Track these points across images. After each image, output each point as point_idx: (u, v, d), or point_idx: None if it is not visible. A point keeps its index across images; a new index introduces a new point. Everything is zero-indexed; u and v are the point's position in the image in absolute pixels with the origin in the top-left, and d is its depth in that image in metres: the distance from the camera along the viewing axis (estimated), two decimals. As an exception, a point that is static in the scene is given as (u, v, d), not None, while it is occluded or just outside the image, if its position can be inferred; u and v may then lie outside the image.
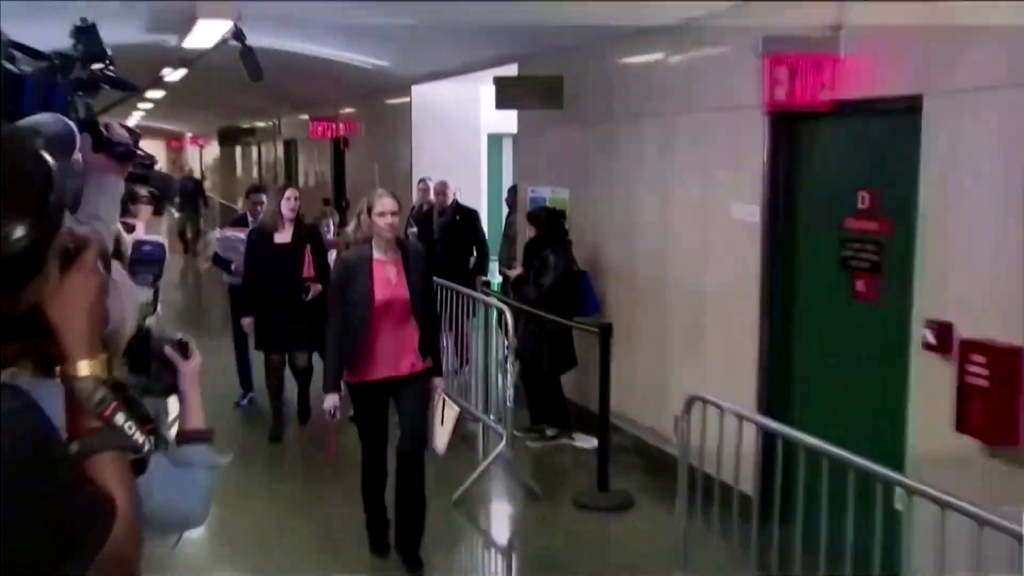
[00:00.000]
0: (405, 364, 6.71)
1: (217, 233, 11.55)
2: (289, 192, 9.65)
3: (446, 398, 7.33)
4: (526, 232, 10.62)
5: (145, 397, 2.75)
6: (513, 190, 12.82)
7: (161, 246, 2.83)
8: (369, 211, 6.69)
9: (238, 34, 3.83)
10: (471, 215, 13.00)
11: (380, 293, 6.60)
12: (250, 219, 11.13)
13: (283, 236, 9.49)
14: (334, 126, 19.67)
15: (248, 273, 9.73)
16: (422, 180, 13.58)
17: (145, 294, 2.73)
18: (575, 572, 7.08)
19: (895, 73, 6.41)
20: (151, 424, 2.01)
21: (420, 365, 6.78)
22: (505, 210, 13.21)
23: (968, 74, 5.88)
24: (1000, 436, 5.51)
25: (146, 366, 2.72)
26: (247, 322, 9.83)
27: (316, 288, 9.39)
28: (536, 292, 9.43)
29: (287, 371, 10.03)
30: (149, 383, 2.73)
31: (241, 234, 10.44)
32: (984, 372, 5.53)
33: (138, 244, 2.75)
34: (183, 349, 2.79)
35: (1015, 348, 5.46)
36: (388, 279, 6.66)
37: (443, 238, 12.30)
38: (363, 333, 6.60)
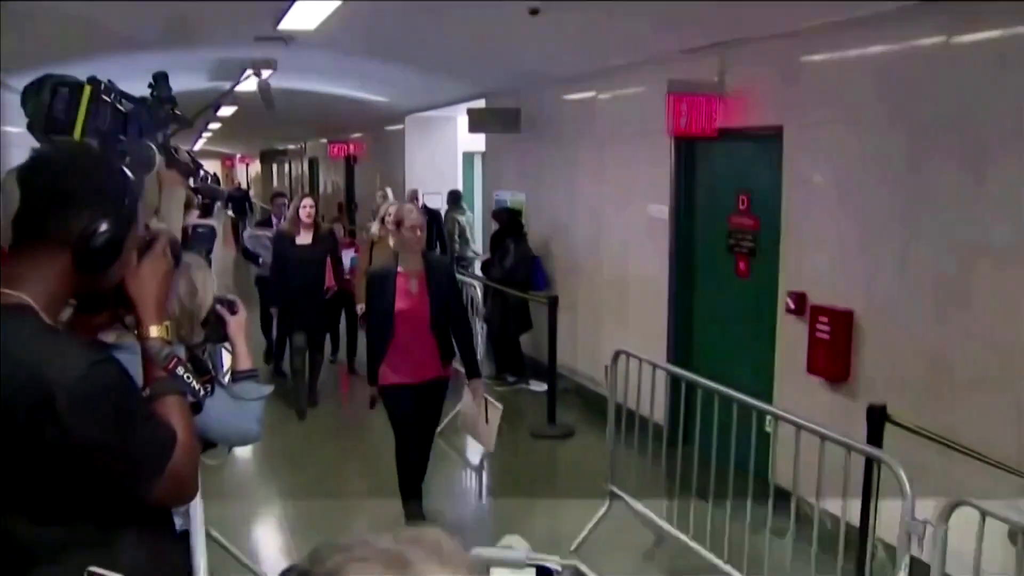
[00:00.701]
0: (424, 372, 5.75)
1: (248, 232, 10.64)
2: (306, 201, 8.83)
3: (488, 398, 6.38)
4: (491, 226, 10.66)
5: (207, 344, 2.90)
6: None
7: (211, 228, 2.89)
8: (398, 225, 5.79)
9: (257, 74, 3.82)
10: (434, 215, 12.70)
11: (401, 304, 5.67)
12: (274, 219, 10.39)
13: (304, 239, 8.68)
14: (346, 147, 19.61)
15: (274, 271, 8.81)
16: (381, 190, 13.16)
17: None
18: (533, 483, 7.16)
19: (763, 109, 6.53)
20: (208, 375, 2.08)
21: (439, 373, 5.84)
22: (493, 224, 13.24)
23: (813, 112, 6.04)
24: (838, 376, 5.68)
25: (205, 321, 2.74)
26: (274, 310, 9.24)
27: (333, 289, 8.95)
28: (500, 272, 9.55)
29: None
30: (208, 333, 2.76)
31: (268, 232, 9.76)
32: (827, 329, 5.69)
33: (195, 227, 2.85)
34: (230, 306, 2.79)
35: (848, 311, 5.63)
36: (410, 291, 5.68)
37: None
38: (387, 340, 5.68)
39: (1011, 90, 4.66)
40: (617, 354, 6.02)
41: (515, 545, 1.60)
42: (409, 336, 5.67)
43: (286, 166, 32.06)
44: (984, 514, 3.41)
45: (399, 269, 5.70)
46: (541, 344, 8.95)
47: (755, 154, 6.85)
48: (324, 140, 21.41)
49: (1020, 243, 4.63)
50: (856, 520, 4.50)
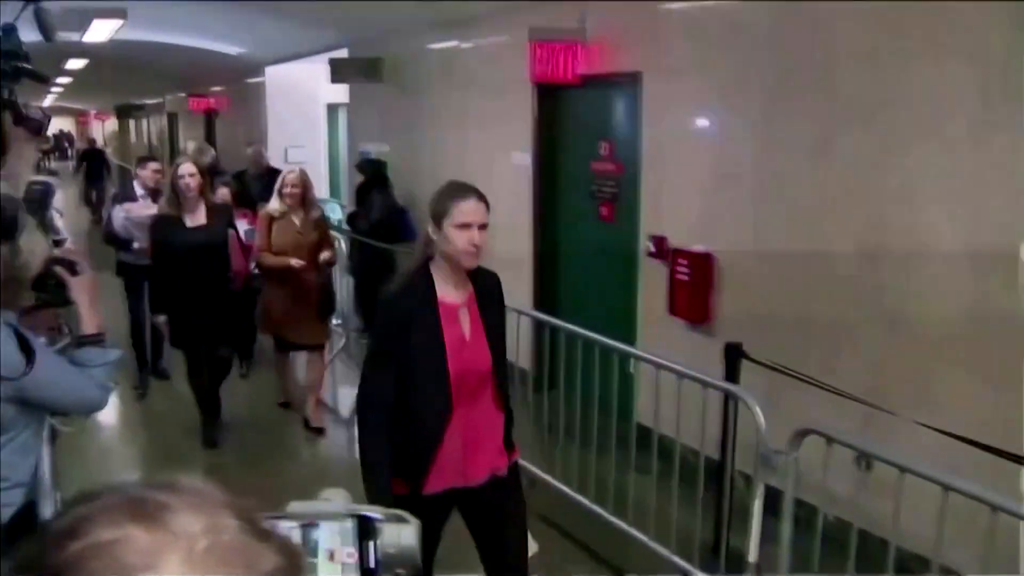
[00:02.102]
0: (483, 465, 3.32)
1: (119, 212, 7.63)
2: (185, 168, 6.36)
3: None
4: (356, 178, 10.45)
5: (47, 308, 2.73)
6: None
7: (46, 184, 2.75)
8: (438, 216, 3.24)
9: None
10: (278, 172, 12.17)
11: (457, 358, 3.22)
12: (140, 190, 7.71)
13: (196, 219, 6.35)
14: (207, 101, 19.04)
15: (158, 265, 6.48)
16: (252, 144, 11.97)
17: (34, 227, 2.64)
18: None
19: (623, 56, 6.52)
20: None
21: (504, 462, 3.40)
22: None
23: (671, 59, 6.06)
24: (698, 317, 5.77)
25: (43, 284, 2.61)
26: (162, 320, 6.51)
27: (243, 274, 6.74)
28: (366, 224, 9.40)
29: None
30: (47, 297, 2.63)
31: (151, 211, 7.13)
32: (687, 271, 5.77)
33: (30, 183, 2.68)
34: (71, 267, 2.64)
35: (707, 253, 5.72)
36: (463, 334, 3.27)
37: (262, 195, 11.01)
38: (426, 421, 3.22)
39: (855, 41, 4.78)
40: (482, 301, 5.95)
41: (334, 498, 1.55)
42: (459, 407, 3.25)
43: (144, 122, 30.91)
44: (829, 440, 3.53)
45: (441, 295, 3.25)
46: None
47: (616, 101, 6.86)
48: (183, 94, 20.71)
49: (866, 186, 4.78)
50: (717, 454, 4.61)
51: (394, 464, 3.18)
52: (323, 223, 7.09)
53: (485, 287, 3.41)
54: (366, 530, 1.47)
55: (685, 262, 5.79)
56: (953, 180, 4.37)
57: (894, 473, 3.27)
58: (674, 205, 6.11)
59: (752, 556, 3.91)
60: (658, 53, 6.18)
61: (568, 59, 6.87)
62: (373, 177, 9.68)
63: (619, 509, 4.94)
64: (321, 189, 12.86)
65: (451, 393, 3.19)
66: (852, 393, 4.39)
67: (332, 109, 14.98)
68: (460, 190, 3.28)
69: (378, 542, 1.48)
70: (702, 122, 5.87)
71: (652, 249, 6.18)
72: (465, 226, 3.17)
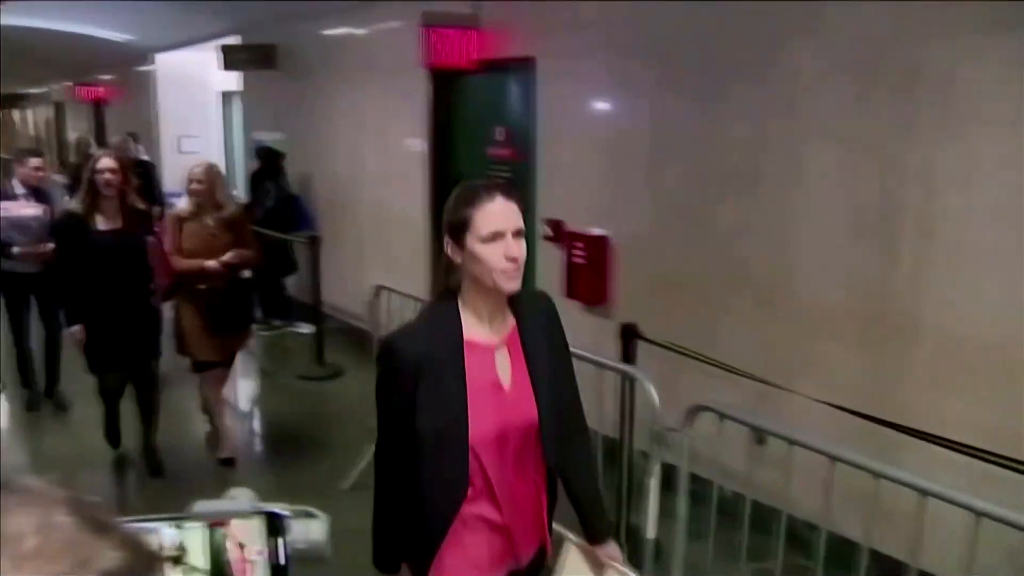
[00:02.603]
0: (527, 546, 2.49)
1: None
2: (104, 162, 5.54)
3: None
4: (250, 167, 10.28)
5: None
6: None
7: None
8: (456, 230, 2.31)
9: None
10: (148, 166, 11.74)
11: (483, 414, 2.33)
12: (20, 189, 6.68)
13: (110, 221, 5.53)
14: (94, 90, 18.51)
15: (68, 275, 5.55)
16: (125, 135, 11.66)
17: None
18: (301, 426, 6.97)
19: (517, 41, 6.51)
20: None
21: (543, 540, 2.54)
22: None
23: (563, 43, 6.09)
24: (595, 299, 5.81)
25: None
26: (76, 330, 5.60)
27: (165, 286, 5.83)
28: (261, 213, 9.22)
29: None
30: None
31: (34, 211, 6.57)
32: (583, 254, 5.81)
33: None
34: None
35: (603, 236, 5.79)
36: (499, 382, 2.38)
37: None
38: (455, 497, 2.36)
39: (746, 24, 4.87)
40: (378, 289, 5.92)
41: (239, 497, 1.57)
42: (498, 475, 2.39)
43: (29, 112, 29.85)
44: (722, 416, 3.59)
45: (468, 335, 2.37)
46: (307, 285, 8.76)
47: (511, 86, 6.85)
48: (70, 83, 20.07)
49: (752, 168, 4.89)
50: (616, 433, 4.65)
51: (404, 548, 2.49)
52: (240, 221, 6.13)
53: (533, 315, 2.48)
54: (275, 527, 1.49)
55: (581, 245, 5.82)
56: (834, 156, 4.50)
57: (786, 446, 3.35)
58: (570, 189, 6.15)
59: (650, 532, 3.96)
60: (552, 38, 6.18)
61: (462, 44, 6.83)
62: (267, 166, 9.55)
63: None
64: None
65: (471, 457, 2.33)
66: (744, 370, 4.50)
67: (226, 97, 14.67)
68: (480, 192, 2.31)
69: (287, 539, 1.50)
70: (596, 106, 5.92)
71: (548, 233, 6.20)
72: (496, 236, 2.25)
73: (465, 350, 2.33)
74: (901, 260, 4.24)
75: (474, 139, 7.26)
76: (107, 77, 18.17)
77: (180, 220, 5.94)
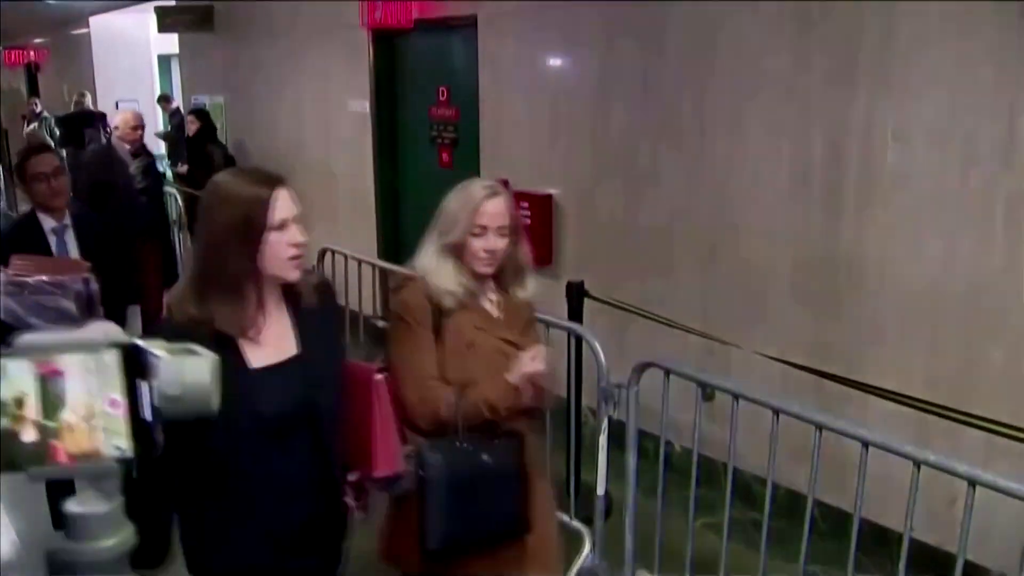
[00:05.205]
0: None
1: None
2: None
3: None
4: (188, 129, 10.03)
5: None
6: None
7: None
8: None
9: None
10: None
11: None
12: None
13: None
14: (25, 54, 18.05)
15: None
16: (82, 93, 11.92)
17: None
18: None
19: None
20: None
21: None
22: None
23: (505, 3, 6.01)
24: (542, 258, 5.69)
25: None
26: None
27: None
28: (206, 177, 9.05)
29: None
30: None
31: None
32: (529, 214, 5.74)
33: None
34: None
35: (548, 195, 5.77)
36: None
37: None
38: None
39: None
40: (323, 252, 5.86)
41: (96, 332, 1.13)
42: None
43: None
44: (668, 372, 3.61)
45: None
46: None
47: (453, 45, 6.75)
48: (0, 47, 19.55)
49: (696, 125, 4.90)
50: (565, 392, 4.66)
51: None
52: None
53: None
54: (135, 367, 1.07)
55: (527, 204, 5.78)
56: (777, 111, 4.52)
57: (731, 401, 3.38)
58: (513, 148, 6.09)
59: (600, 488, 3.98)
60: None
61: (402, 4, 6.72)
62: (205, 128, 9.37)
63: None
64: (158, 144, 12.31)
65: None
66: (690, 326, 4.53)
67: (163, 60, 14.39)
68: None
69: (154, 383, 1.08)
70: (539, 65, 5.86)
71: (494, 193, 6.16)
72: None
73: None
74: (844, 214, 4.28)
75: (417, 99, 7.16)
76: (39, 40, 17.70)
77: None
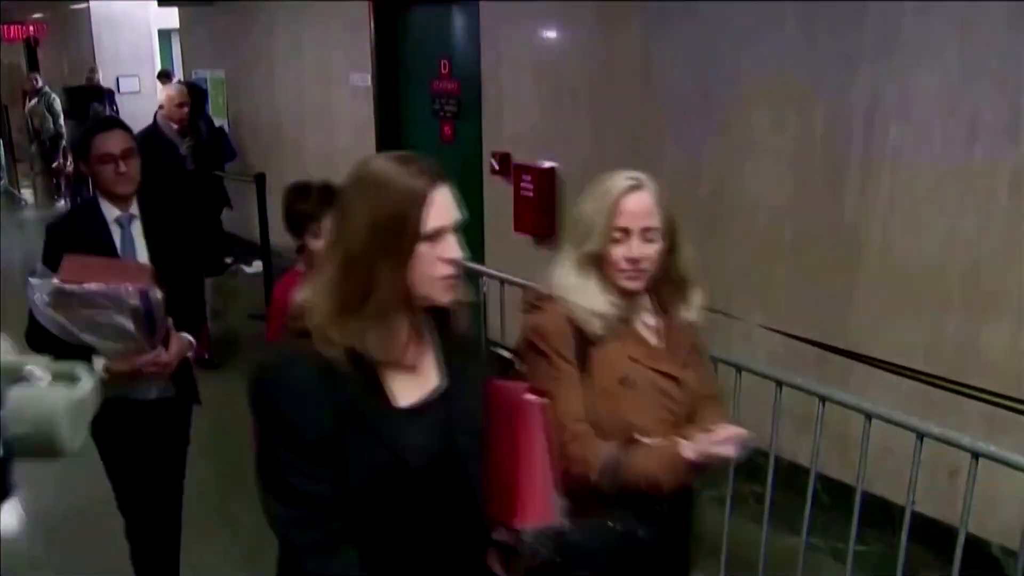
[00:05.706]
0: None
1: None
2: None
3: None
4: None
5: None
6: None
7: None
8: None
9: None
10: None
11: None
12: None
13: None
14: (24, 29, 17.97)
15: None
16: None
17: None
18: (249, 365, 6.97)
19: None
20: None
21: None
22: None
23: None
24: (544, 231, 5.78)
25: None
26: None
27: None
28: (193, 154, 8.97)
29: None
30: None
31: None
32: (531, 187, 5.76)
33: None
34: None
35: (550, 168, 5.75)
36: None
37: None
38: None
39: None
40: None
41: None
42: None
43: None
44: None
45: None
46: (250, 223, 8.61)
47: (455, 18, 6.71)
48: (-1, 22, 19.48)
49: (699, 99, 4.87)
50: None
51: None
52: None
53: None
54: None
55: (529, 178, 5.78)
56: (780, 89, 4.49)
57: (734, 373, 3.37)
58: (516, 122, 6.06)
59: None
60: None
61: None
62: (194, 102, 9.32)
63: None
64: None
65: None
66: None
67: (164, 35, 14.31)
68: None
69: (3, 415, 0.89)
70: (542, 38, 5.81)
71: (495, 166, 6.13)
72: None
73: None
74: (846, 190, 4.26)
75: (418, 72, 7.12)
76: (38, 16, 17.62)
77: None
